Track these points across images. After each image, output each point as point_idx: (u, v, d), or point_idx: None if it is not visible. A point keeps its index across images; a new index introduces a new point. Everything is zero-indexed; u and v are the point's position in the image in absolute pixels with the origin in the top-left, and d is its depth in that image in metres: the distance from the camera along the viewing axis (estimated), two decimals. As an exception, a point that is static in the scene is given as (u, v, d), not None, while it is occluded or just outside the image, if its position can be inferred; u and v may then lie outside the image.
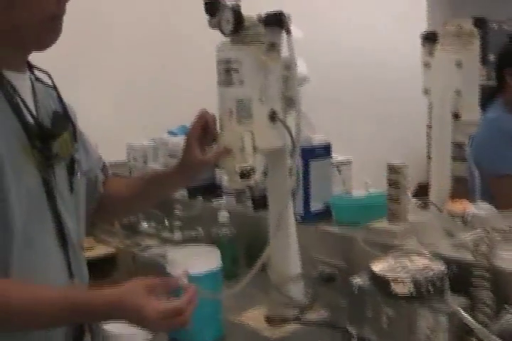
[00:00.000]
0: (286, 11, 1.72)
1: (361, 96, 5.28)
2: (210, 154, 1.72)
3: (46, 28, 1.45)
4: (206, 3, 1.76)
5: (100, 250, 3.02)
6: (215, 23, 1.72)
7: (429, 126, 5.72)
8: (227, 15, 1.68)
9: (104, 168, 1.90)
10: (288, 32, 1.68)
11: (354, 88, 5.24)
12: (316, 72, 4.54)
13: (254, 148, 1.69)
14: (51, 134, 1.53)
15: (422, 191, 2.49)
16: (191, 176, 1.81)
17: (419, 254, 1.74)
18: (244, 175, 1.65)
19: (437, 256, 1.72)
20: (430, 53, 2.52)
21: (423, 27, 5.11)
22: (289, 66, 1.74)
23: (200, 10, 1.74)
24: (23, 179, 1.44)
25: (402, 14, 5.58)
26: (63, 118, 1.62)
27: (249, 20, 1.69)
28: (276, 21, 1.68)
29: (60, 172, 1.57)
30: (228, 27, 1.67)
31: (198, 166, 1.75)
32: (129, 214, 2.18)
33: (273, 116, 1.73)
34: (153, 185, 1.89)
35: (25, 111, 1.49)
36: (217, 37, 1.72)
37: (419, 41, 2.49)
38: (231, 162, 1.68)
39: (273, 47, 1.71)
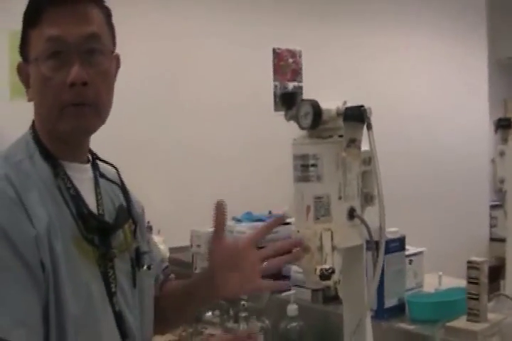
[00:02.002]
0: (348, 94, 1.68)
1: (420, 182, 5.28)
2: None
3: (62, 116, 1.45)
4: (283, 96, 1.73)
5: (162, 338, 2.94)
6: (292, 116, 1.69)
7: (493, 207, 5.68)
8: (306, 109, 1.64)
9: (165, 270, 1.85)
10: (369, 127, 1.62)
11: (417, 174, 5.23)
12: (383, 157, 4.56)
13: (333, 247, 1.62)
14: (108, 228, 1.53)
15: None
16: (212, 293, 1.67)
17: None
18: (325, 276, 1.57)
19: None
20: (504, 140, 2.48)
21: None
22: (369, 161, 1.68)
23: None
24: (81, 276, 1.43)
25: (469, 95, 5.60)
26: (125, 213, 1.62)
27: (328, 114, 1.64)
28: (357, 116, 1.62)
29: (122, 267, 1.56)
30: (306, 121, 1.63)
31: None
32: (171, 326, 2.00)
33: (352, 214, 1.67)
34: (183, 294, 1.76)
35: (81, 204, 1.49)
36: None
37: (486, 129, 2.46)
38: (309, 261, 1.61)
39: (353, 143, 1.65)
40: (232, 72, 4.33)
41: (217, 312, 2.93)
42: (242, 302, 2.74)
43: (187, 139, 4.11)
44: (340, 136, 1.65)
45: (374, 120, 4.30)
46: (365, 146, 1.69)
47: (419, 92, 5.33)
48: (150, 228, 3.36)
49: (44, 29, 1.43)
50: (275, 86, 4.48)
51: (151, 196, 3.61)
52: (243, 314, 2.72)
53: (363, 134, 1.66)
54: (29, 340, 1.31)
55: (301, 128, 1.66)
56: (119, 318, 1.51)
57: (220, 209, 1.57)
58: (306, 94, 4.50)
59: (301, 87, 4.60)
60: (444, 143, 5.47)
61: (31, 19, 1.45)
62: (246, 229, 2.98)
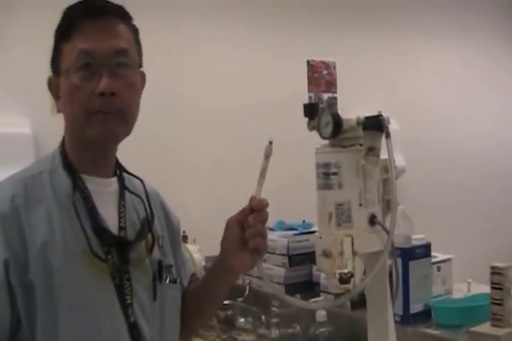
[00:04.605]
0: (383, 104, 1.70)
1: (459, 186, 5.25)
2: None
3: (89, 122, 1.51)
4: (305, 107, 1.76)
5: (196, 344, 3.01)
6: (314, 126, 1.72)
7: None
8: (326, 119, 1.67)
9: (192, 277, 1.86)
10: (387, 135, 1.66)
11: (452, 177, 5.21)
12: (414, 165, 4.57)
13: (354, 253, 1.66)
14: (124, 242, 1.57)
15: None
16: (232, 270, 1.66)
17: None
18: (344, 280, 1.62)
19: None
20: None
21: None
22: (388, 169, 1.72)
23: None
24: (84, 289, 1.47)
25: (504, 103, 5.56)
26: (146, 227, 1.65)
27: (348, 123, 1.68)
28: (376, 125, 1.65)
29: (141, 279, 1.59)
30: (327, 130, 1.66)
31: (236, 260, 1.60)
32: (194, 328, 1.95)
33: (373, 220, 1.71)
34: (203, 289, 1.78)
35: (97, 218, 1.53)
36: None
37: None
38: (330, 266, 1.65)
39: (372, 151, 1.69)
40: (267, 83, 4.38)
41: (249, 319, 3.00)
42: (273, 309, 2.80)
43: (220, 149, 4.16)
44: (361, 145, 1.68)
45: (408, 130, 4.33)
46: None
47: (455, 100, 5.31)
48: (185, 237, 3.42)
49: (76, 42, 1.51)
50: (310, 97, 4.54)
51: (187, 206, 3.68)
52: (274, 320, 2.78)
53: (381, 142, 1.69)
54: None
55: (322, 137, 1.69)
56: (134, 329, 1.53)
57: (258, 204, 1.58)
58: (341, 105, 4.59)
59: (335, 98, 4.64)
60: (478, 148, 5.41)
61: (64, 33, 1.54)
62: (278, 237, 3.04)
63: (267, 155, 1.64)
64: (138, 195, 1.70)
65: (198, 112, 4.11)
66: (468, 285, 2.66)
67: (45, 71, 3.26)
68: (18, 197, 1.47)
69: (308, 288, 2.89)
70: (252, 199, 1.58)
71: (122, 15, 1.59)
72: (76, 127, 1.55)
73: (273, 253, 3.03)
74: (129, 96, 1.56)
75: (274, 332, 2.78)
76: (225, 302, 2.91)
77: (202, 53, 4.15)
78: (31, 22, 3.56)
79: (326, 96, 4.61)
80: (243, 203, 1.64)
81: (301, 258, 2.97)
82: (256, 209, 1.57)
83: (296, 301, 1.69)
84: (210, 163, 4.13)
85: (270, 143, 1.63)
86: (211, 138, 4.16)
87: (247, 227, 1.57)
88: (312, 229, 3.05)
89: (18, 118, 3.51)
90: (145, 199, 1.70)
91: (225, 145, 4.19)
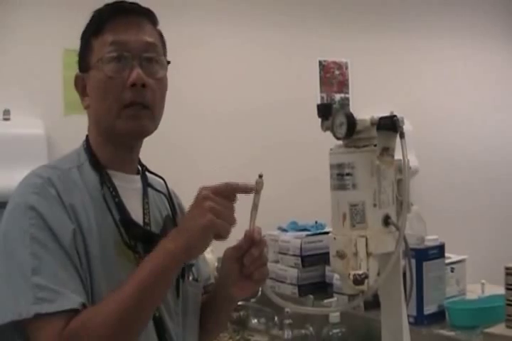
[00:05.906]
0: (395, 105, 1.69)
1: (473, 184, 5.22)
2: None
3: (121, 115, 1.54)
4: (319, 107, 1.76)
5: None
6: (328, 127, 1.72)
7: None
8: (340, 119, 1.67)
9: (209, 286, 1.86)
10: (402, 136, 1.65)
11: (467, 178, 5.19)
12: (427, 166, 4.56)
13: (368, 254, 1.65)
14: (151, 236, 1.58)
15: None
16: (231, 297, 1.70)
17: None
18: (358, 281, 1.61)
19: None
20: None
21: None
22: (402, 169, 1.71)
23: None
24: (116, 276, 1.46)
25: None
26: (171, 223, 1.67)
27: (363, 123, 1.67)
28: (390, 125, 1.65)
29: None
30: (341, 131, 1.66)
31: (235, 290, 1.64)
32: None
33: (387, 221, 1.70)
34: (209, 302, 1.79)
35: (124, 212, 1.55)
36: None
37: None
38: (344, 267, 1.65)
39: (386, 151, 1.68)
40: (279, 83, 4.38)
41: (262, 320, 2.99)
42: (286, 310, 2.79)
43: (227, 149, 4.15)
44: (375, 145, 1.67)
45: (421, 130, 4.33)
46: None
47: (466, 100, 5.29)
48: (198, 238, 3.41)
49: (108, 35, 1.55)
50: (322, 97, 4.53)
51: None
52: (287, 321, 2.77)
53: (395, 143, 1.68)
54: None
55: (336, 138, 1.68)
56: (159, 324, 1.55)
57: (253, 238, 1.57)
58: (354, 106, 4.57)
59: (348, 99, 4.63)
60: (492, 148, 5.38)
61: (95, 28, 1.57)
62: (291, 238, 3.03)
63: (258, 190, 1.60)
64: (161, 192, 1.73)
65: (205, 112, 4.11)
66: (482, 286, 2.65)
67: (58, 72, 3.26)
68: (56, 182, 1.49)
69: (322, 289, 2.89)
70: (248, 233, 1.57)
71: (150, 17, 1.63)
72: (106, 119, 1.56)
73: (286, 254, 3.02)
74: (158, 91, 1.60)
75: (287, 333, 2.76)
76: (238, 303, 2.90)
77: (207, 51, 4.14)
78: (37, 21, 3.56)
79: (338, 96, 4.60)
80: (250, 203, 1.64)
81: (314, 259, 2.97)
82: (257, 241, 1.56)
83: (310, 309, 1.67)
84: (224, 165, 4.12)
85: (260, 176, 1.59)
86: (217, 138, 4.16)
87: (249, 261, 1.57)
88: (325, 230, 3.05)
89: (31, 119, 3.51)
90: (168, 197, 1.73)
91: (232, 145, 4.19)
